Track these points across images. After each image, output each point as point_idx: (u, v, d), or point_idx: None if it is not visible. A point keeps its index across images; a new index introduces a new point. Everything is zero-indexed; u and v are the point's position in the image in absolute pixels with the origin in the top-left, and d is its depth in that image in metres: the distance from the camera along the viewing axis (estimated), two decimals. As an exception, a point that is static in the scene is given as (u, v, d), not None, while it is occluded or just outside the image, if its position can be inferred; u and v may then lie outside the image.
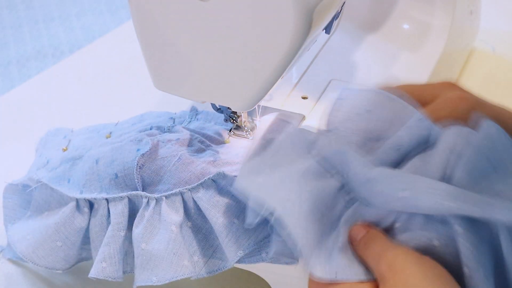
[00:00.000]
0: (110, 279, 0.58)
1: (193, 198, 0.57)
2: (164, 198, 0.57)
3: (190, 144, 0.61)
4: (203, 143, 0.62)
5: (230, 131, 0.64)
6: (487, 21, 0.82)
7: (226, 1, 0.51)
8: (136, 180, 0.58)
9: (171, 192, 0.57)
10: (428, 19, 0.80)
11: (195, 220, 0.58)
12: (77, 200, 0.60)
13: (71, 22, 1.22)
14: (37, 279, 0.67)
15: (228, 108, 0.63)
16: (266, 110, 0.70)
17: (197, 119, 0.66)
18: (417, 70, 0.77)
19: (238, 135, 0.64)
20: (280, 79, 0.55)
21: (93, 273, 0.58)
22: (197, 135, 0.62)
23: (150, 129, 0.63)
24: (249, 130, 0.65)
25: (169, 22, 0.54)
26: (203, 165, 0.59)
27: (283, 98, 0.73)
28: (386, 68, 0.78)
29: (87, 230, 0.60)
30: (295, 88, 0.74)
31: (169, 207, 0.57)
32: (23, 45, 1.16)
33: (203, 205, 0.57)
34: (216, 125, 0.65)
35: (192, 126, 0.65)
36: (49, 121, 0.88)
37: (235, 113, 0.64)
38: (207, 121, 0.66)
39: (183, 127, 0.63)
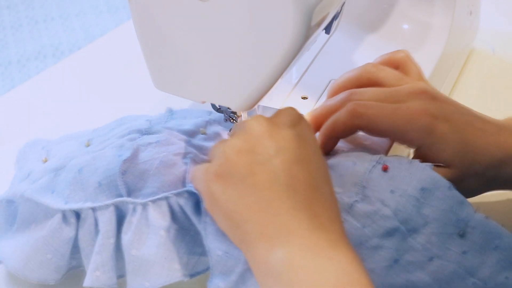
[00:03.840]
0: (105, 287, 0.58)
1: (178, 203, 0.58)
2: (150, 203, 0.58)
3: (170, 143, 0.61)
4: (182, 139, 0.62)
5: (230, 131, 0.64)
6: (487, 21, 0.82)
7: (226, 1, 0.51)
8: (120, 187, 0.59)
9: (157, 197, 0.58)
10: (428, 19, 0.80)
11: (182, 223, 0.58)
12: (63, 212, 0.60)
13: (71, 22, 1.22)
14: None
15: (228, 108, 0.63)
16: (266, 110, 0.70)
17: (173, 119, 0.66)
18: (417, 70, 0.77)
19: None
20: (280, 79, 0.55)
21: (87, 282, 0.58)
22: (175, 133, 0.63)
23: (129, 133, 0.63)
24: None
25: (169, 22, 0.54)
26: (185, 167, 0.59)
27: (283, 98, 0.73)
28: (386, 68, 0.78)
29: (75, 239, 0.61)
30: (295, 88, 0.74)
31: (156, 212, 0.58)
32: (23, 45, 1.16)
33: (188, 210, 0.58)
34: (193, 119, 0.65)
35: (170, 125, 0.65)
36: (49, 121, 0.88)
37: (235, 113, 0.64)
38: (183, 118, 0.66)
39: (162, 127, 0.63)
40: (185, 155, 0.60)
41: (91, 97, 0.92)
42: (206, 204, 0.53)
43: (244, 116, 0.64)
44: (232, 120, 0.64)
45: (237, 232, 0.50)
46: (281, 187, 0.50)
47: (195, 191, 0.57)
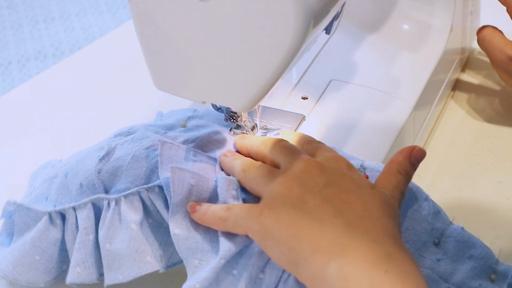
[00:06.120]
0: (86, 283, 0.59)
1: (149, 197, 0.58)
2: (122, 198, 0.59)
3: (144, 137, 0.62)
4: (158, 133, 0.63)
5: (230, 130, 0.64)
6: (487, 21, 0.82)
7: (226, 2, 0.51)
8: (97, 185, 0.60)
9: (129, 192, 0.59)
10: (428, 19, 0.80)
11: (155, 217, 0.59)
12: (49, 214, 0.61)
13: (71, 22, 1.22)
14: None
15: (228, 108, 0.63)
16: (266, 110, 0.70)
17: (161, 120, 0.67)
18: (417, 70, 0.77)
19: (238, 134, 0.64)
20: (280, 79, 0.55)
21: (69, 279, 0.60)
22: (152, 127, 0.63)
23: (114, 136, 0.65)
24: (249, 130, 0.65)
25: (169, 22, 0.54)
26: (157, 158, 0.59)
27: (283, 98, 0.73)
28: (386, 68, 0.78)
29: (63, 242, 0.62)
30: (295, 88, 0.74)
31: (128, 206, 0.58)
32: (24, 45, 1.16)
33: (159, 204, 0.58)
34: (178, 116, 0.66)
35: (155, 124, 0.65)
36: (49, 121, 0.88)
37: (235, 113, 0.64)
38: (170, 117, 0.67)
39: (143, 125, 0.64)
40: (157, 146, 0.61)
41: (91, 97, 0.92)
42: (258, 239, 0.53)
43: (244, 116, 0.64)
44: (232, 120, 0.64)
45: (291, 255, 0.50)
46: (332, 209, 0.51)
47: (163, 184, 0.58)
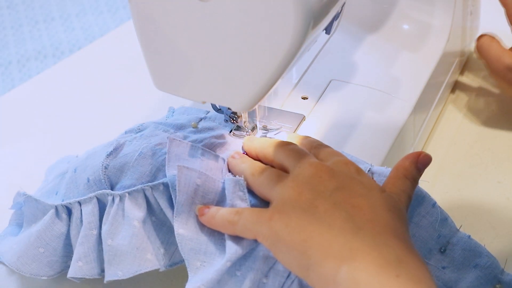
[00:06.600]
0: (87, 277, 0.60)
1: (154, 195, 0.58)
2: (127, 194, 0.59)
3: (153, 135, 0.62)
4: (167, 131, 0.63)
5: (230, 131, 0.64)
6: (487, 21, 0.82)
7: (226, 2, 0.51)
8: (103, 181, 0.60)
9: (133, 188, 0.59)
10: (428, 19, 0.80)
11: (158, 215, 0.59)
12: (55, 207, 0.61)
13: (71, 22, 1.22)
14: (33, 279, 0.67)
15: (228, 108, 0.63)
16: (266, 110, 0.70)
17: (173, 116, 0.67)
18: (417, 70, 0.77)
19: (239, 136, 0.64)
20: (280, 79, 0.55)
21: (71, 273, 0.60)
22: (162, 126, 0.63)
23: (125, 133, 0.65)
24: (249, 130, 0.65)
25: (169, 22, 0.54)
26: (165, 156, 0.60)
27: (283, 98, 0.73)
28: (386, 68, 0.78)
29: (68, 237, 0.62)
30: (295, 88, 0.74)
31: (132, 203, 0.59)
32: (24, 45, 1.16)
33: (163, 203, 0.58)
34: (190, 115, 0.66)
35: (167, 122, 0.65)
36: (49, 121, 0.88)
37: (235, 113, 0.64)
38: (181, 114, 0.67)
39: (154, 123, 0.64)
40: (165, 145, 0.61)
41: (91, 97, 0.92)
42: (268, 244, 0.52)
43: (244, 116, 0.64)
44: (232, 121, 0.64)
45: (302, 260, 0.50)
46: (342, 213, 0.51)
47: (169, 181, 0.57)
